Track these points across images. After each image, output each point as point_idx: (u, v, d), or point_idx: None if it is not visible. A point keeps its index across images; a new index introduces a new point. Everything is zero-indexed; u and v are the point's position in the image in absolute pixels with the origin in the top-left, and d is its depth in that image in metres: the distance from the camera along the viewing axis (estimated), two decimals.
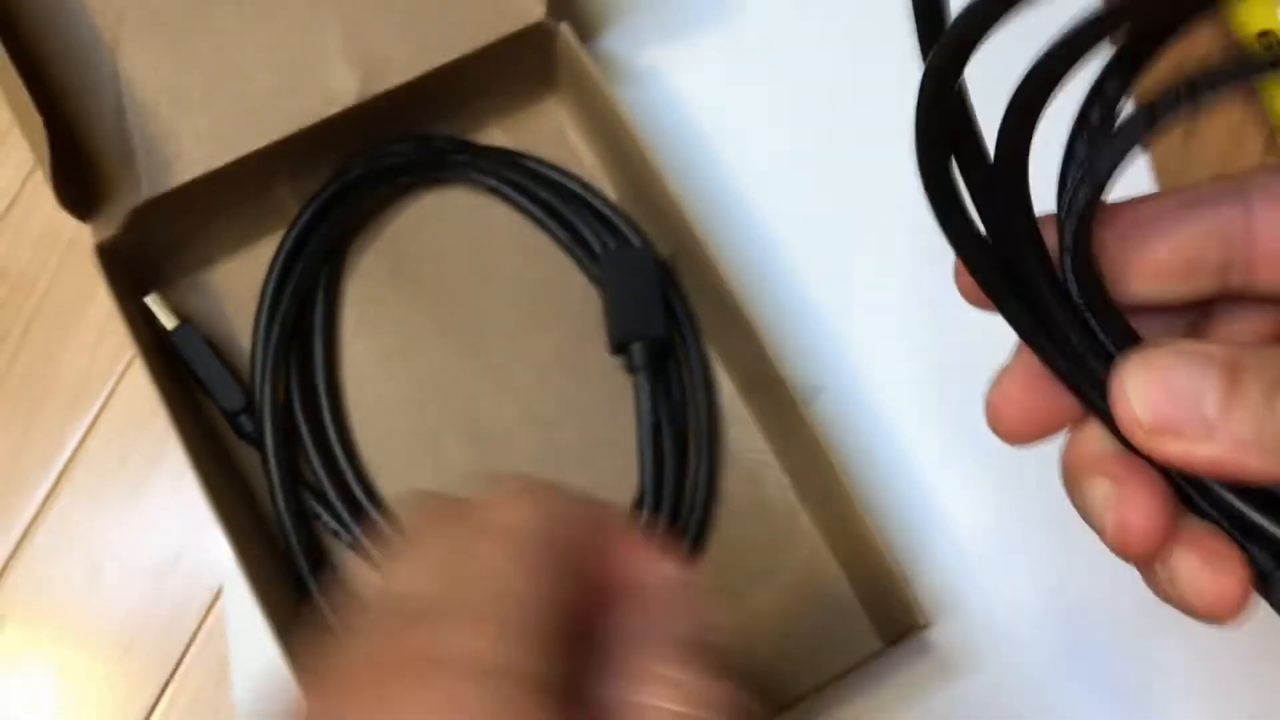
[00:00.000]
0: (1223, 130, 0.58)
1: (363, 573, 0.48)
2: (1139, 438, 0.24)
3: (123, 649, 0.48)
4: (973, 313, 0.57)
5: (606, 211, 0.52)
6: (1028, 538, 0.51)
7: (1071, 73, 0.25)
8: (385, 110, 0.49)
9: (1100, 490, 0.27)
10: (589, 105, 0.52)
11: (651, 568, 0.27)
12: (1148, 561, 0.27)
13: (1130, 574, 0.51)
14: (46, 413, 0.51)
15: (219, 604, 0.49)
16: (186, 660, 0.48)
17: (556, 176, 0.52)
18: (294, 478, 0.47)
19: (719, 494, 0.50)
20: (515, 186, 0.52)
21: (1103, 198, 0.27)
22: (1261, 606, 0.53)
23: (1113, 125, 0.27)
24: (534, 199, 0.52)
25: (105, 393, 0.52)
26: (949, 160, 0.27)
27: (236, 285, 0.51)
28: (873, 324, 0.54)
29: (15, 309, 0.53)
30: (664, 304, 0.49)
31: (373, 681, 0.23)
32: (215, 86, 0.48)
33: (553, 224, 0.52)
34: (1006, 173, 0.27)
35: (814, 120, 0.57)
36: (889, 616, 0.46)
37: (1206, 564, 0.26)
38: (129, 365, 0.52)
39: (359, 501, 0.48)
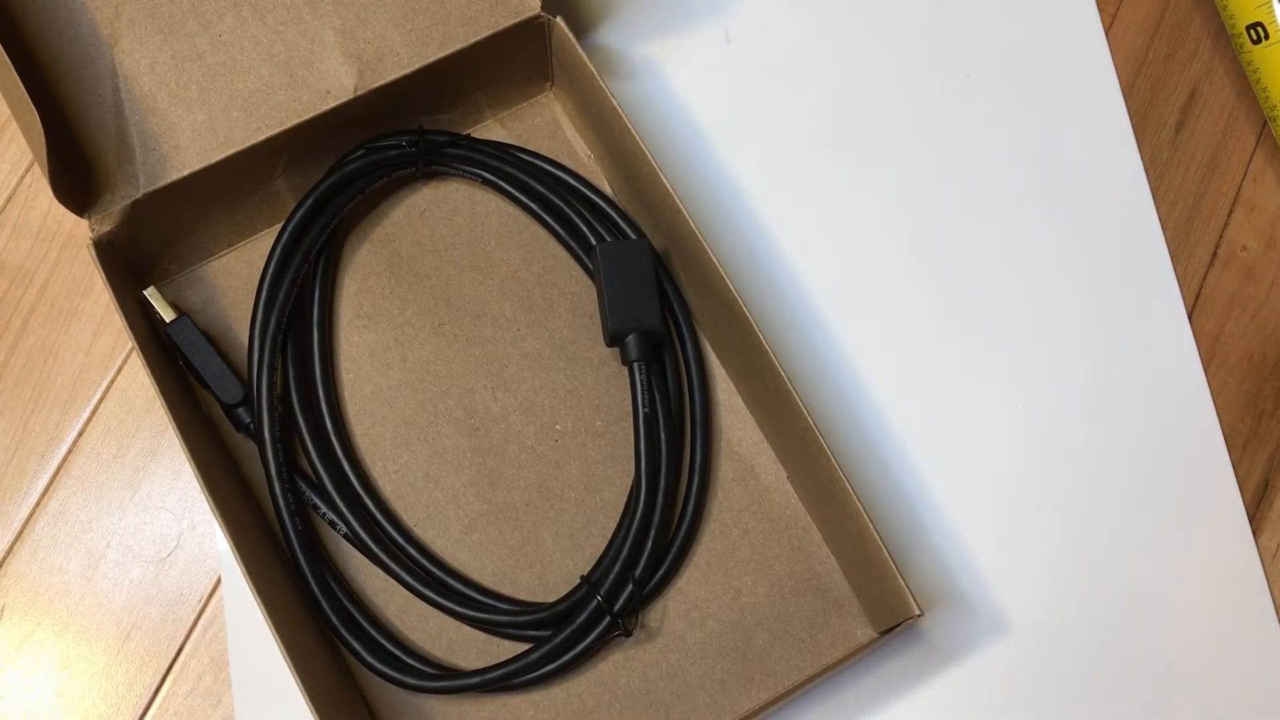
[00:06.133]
0: (1214, 122, 0.58)
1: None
2: None
3: (122, 638, 0.49)
4: (968, 306, 0.58)
5: (602, 204, 0.52)
6: (1020, 529, 0.51)
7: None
8: (382, 104, 0.50)
9: None
10: (584, 99, 0.52)
11: None
12: None
13: (1122, 564, 0.52)
14: (45, 405, 0.51)
15: (217, 593, 0.49)
16: (186, 649, 0.49)
17: (552, 169, 0.53)
18: (291, 469, 0.47)
19: (714, 484, 0.50)
20: (511, 179, 0.52)
21: None
22: (1253, 605, 0.54)
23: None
24: (529, 192, 0.52)
25: (104, 385, 0.52)
26: None
27: (234, 278, 0.52)
28: (867, 315, 0.54)
29: (14, 302, 0.53)
30: (659, 296, 0.50)
31: None
32: (213, 81, 0.48)
33: (548, 217, 0.52)
34: None
35: (808, 114, 0.57)
36: (883, 606, 0.46)
37: None
38: (127, 358, 0.52)
39: (356, 492, 0.48)
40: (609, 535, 0.49)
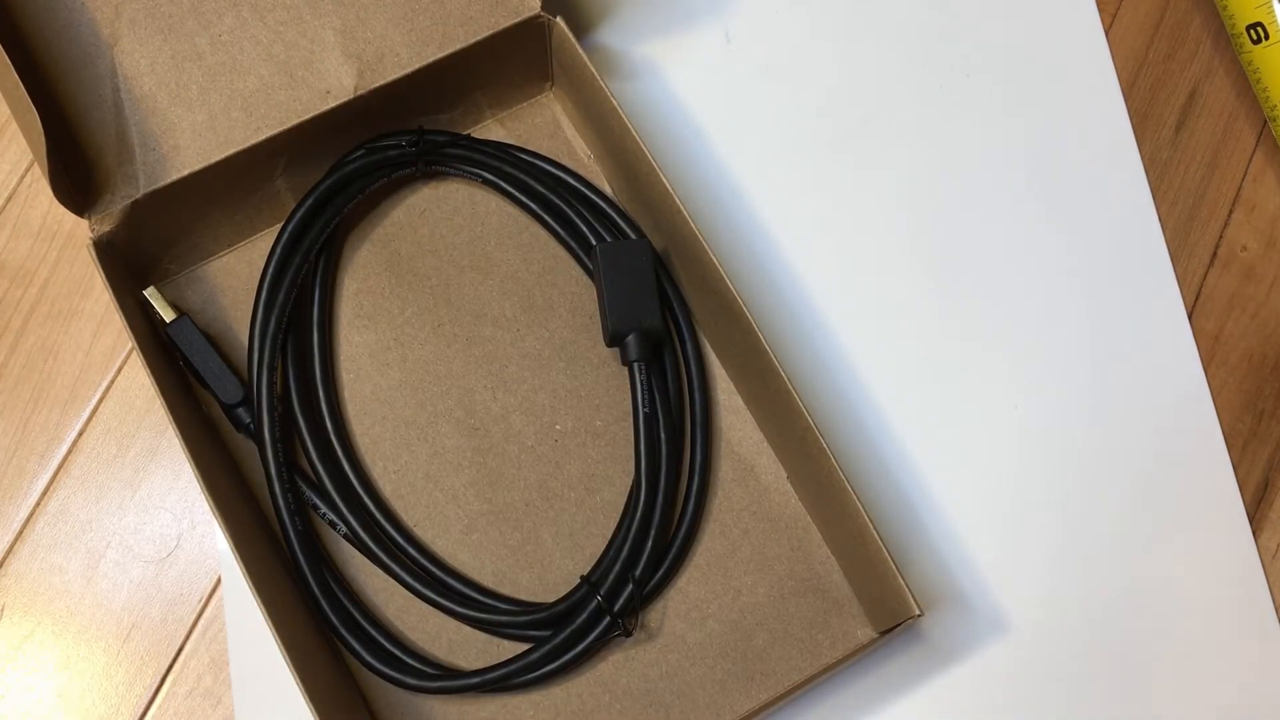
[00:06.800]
0: (1214, 122, 0.58)
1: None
2: None
3: (122, 638, 0.49)
4: (968, 306, 0.58)
5: (601, 204, 0.52)
6: (1020, 529, 0.51)
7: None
8: (382, 104, 0.50)
9: None
10: (584, 99, 0.52)
11: None
12: None
13: (1122, 564, 0.52)
14: (45, 405, 0.51)
15: (217, 593, 0.49)
16: (186, 649, 0.49)
17: (552, 169, 0.53)
18: (291, 469, 0.47)
19: (714, 484, 0.50)
20: (511, 179, 0.52)
21: None
22: (1253, 605, 0.54)
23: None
24: (529, 192, 0.52)
25: (104, 385, 0.52)
26: None
27: (234, 278, 0.52)
28: (867, 315, 0.54)
29: (14, 302, 0.53)
30: (659, 296, 0.50)
31: None
32: (213, 81, 0.48)
33: (548, 217, 0.52)
34: None
35: (808, 114, 0.57)
36: (883, 606, 0.46)
37: None
38: (127, 358, 0.52)
39: (356, 492, 0.48)
40: (609, 535, 0.49)
